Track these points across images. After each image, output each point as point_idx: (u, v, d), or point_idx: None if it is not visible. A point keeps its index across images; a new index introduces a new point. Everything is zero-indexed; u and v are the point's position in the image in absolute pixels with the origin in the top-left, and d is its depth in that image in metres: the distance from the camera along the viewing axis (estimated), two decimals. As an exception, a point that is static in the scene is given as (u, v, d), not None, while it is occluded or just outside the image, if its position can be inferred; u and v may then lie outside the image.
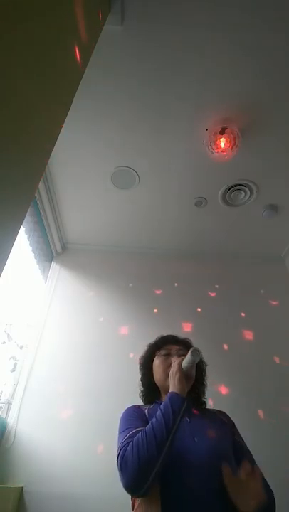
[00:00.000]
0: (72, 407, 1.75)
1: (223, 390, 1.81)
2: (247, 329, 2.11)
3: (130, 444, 0.76)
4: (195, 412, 0.97)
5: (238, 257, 2.49)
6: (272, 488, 0.86)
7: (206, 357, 1.09)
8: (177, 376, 0.88)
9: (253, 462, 0.92)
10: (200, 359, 1.07)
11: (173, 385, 0.87)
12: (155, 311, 2.17)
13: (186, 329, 2.07)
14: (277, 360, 1.98)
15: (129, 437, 0.79)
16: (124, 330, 2.06)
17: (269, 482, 0.90)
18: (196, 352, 0.88)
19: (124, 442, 0.78)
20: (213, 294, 2.29)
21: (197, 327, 2.08)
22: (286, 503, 1.27)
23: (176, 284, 2.32)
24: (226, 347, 2.01)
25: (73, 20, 0.93)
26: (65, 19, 0.87)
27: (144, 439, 0.75)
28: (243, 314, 2.18)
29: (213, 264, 2.45)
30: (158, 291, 2.28)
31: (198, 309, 2.20)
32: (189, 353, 0.88)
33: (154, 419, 0.79)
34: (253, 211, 2.13)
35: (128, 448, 0.75)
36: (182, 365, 0.90)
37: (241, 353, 2.00)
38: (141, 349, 1.19)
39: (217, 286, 2.33)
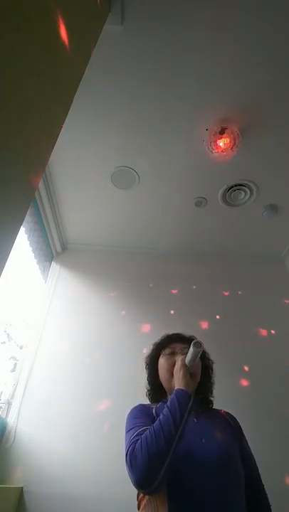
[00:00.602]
0: (72, 407, 1.75)
1: (223, 389, 1.81)
2: (247, 329, 2.11)
3: (139, 441, 0.76)
4: (202, 412, 0.97)
5: (238, 257, 2.49)
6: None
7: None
8: (181, 372, 0.88)
9: (257, 470, 0.93)
10: (206, 358, 1.07)
11: (178, 382, 0.87)
12: (155, 311, 2.17)
13: (185, 329, 2.06)
14: (277, 360, 1.98)
15: (137, 435, 0.79)
16: (124, 330, 2.06)
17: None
18: (198, 344, 0.87)
19: (133, 439, 0.78)
20: (212, 294, 2.29)
21: (196, 327, 2.08)
22: (286, 503, 1.28)
23: (175, 284, 2.32)
24: (225, 347, 2.01)
25: (73, 20, 0.93)
26: (65, 19, 0.87)
27: (153, 435, 0.75)
28: (242, 314, 2.18)
29: (213, 264, 2.45)
30: (158, 291, 2.28)
31: (198, 309, 2.19)
32: (191, 345, 0.88)
33: (161, 416, 0.79)
34: (253, 211, 2.13)
35: (137, 444, 0.75)
36: (186, 360, 0.90)
37: (241, 353, 2.00)
38: (141, 349, 1.19)
39: (217, 286, 2.33)
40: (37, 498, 1.49)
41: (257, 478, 0.92)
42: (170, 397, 0.83)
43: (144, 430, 0.79)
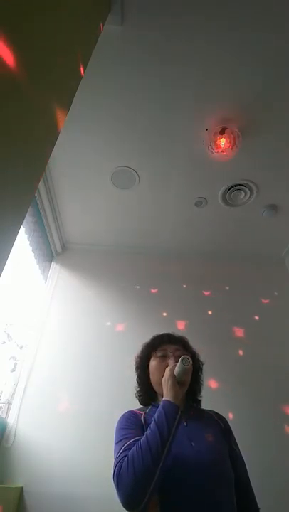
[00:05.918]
0: (72, 407, 1.75)
1: (222, 389, 1.81)
2: (247, 329, 2.11)
3: (126, 459, 0.74)
4: (192, 414, 0.96)
5: (238, 257, 2.49)
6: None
7: (203, 357, 1.09)
8: (170, 383, 0.86)
9: (245, 471, 0.92)
10: (196, 359, 1.07)
11: (166, 393, 0.85)
12: (155, 311, 2.17)
13: (184, 329, 2.07)
14: (276, 359, 1.98)
15: (124, 450, 0.77)
16: (124, 330, 2.06)
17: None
18: (187, 360, 0.88)
19: (120, 456, 0.76)
20: (212, 294, 2.29)
21: (196, 327, 2.08)
22: (286, 503, 1.27)
23: (176, 284, 2.32)
24: (224, 347, 2.01)
25: (73, 21, 0.93)
26: (64, 19, 0.87)
27: (140, 453, 0.73)
28: (242, 314, 2.18)
29: (213, 264, 2.45)
30: (158, 291, 2.28)
31: (198, 309, 2.19)
32: (180, 361, 0.89)
33: (148, 431, 0.77)
34: (253, 211, 2.13)
35: (124, 463, 0.73)
36: (175, 371, 0.89)
37: (240, 353, 2.00)
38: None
39: (217, 286, 2.33)
40: (37, 498, 1.49)
41: (245, 481, 0.90)
42: (158, 410, 0.81)
43: (132, 444, 0.77)
